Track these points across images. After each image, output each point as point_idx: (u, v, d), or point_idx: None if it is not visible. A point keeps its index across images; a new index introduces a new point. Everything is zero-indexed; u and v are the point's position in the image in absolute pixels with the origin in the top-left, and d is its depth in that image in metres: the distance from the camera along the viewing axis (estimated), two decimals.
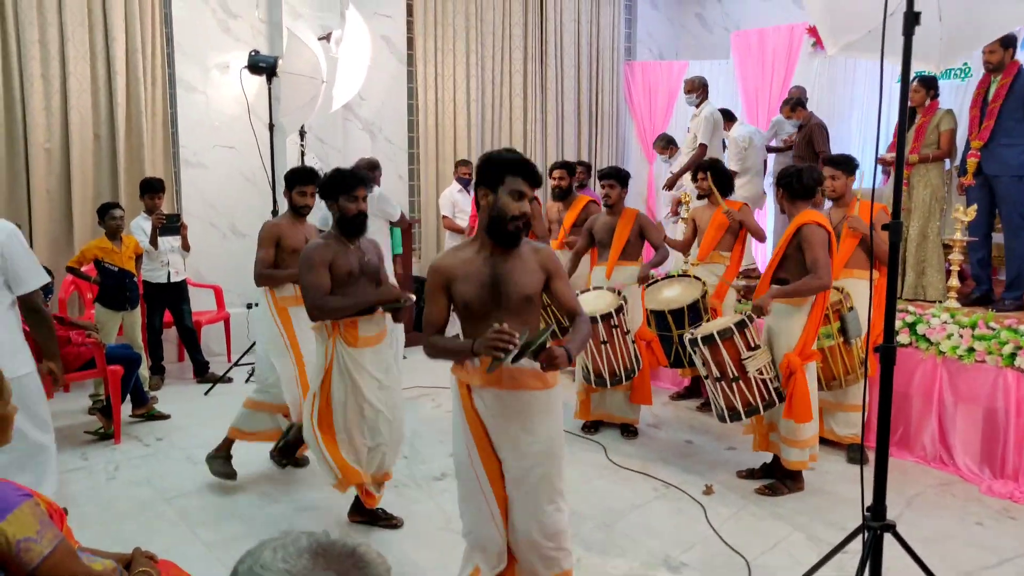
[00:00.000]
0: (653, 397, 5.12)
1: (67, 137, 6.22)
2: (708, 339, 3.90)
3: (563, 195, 6.11)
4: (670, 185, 7.69)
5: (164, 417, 5.27)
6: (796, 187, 3.95)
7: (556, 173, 6.14)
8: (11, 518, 1.72)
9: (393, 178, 7.96)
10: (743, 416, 3.92)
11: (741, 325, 3.90)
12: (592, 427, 5.10)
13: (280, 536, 1.00)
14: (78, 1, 6.12)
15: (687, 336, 4.08)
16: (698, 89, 7.38)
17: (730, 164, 7.31)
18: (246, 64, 6.17)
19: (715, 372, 3.92)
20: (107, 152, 6.45)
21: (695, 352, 4.02)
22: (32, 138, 6.05)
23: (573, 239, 5.75)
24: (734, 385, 3.88)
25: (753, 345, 3.90)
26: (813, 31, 8.31)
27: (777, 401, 3.92)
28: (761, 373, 3.87)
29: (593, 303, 4.77)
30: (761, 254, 7.78)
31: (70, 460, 4.47)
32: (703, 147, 7.35)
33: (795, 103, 7.34)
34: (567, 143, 9.34)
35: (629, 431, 5.03)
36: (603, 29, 9.55)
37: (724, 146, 7.67)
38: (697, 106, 7.40)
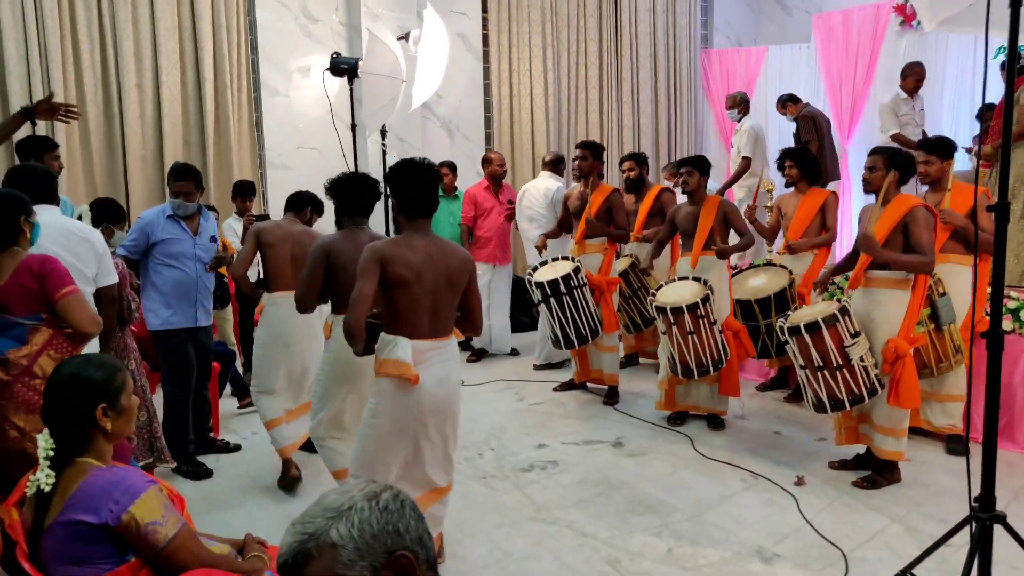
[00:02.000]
0: (740, 388, 5.03)
1: (161, 144, 6.51)
2: (812, 326, 3.80)
3: (635, 186, 6.05)
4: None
5: None
6: (905, 170, 3.85)
7: (626, 164, 6.09)
8: (139, 502, 1.82)
9: (471, 175, 8.03)
10: (847, 405, 3.81)
11: (844, 311, 3.78)
12: (678, 418, 5.05)
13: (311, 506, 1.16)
14: (169, 13, 6.39)
15: (784, 324, 3.97)
16: (739, 104, 7.64)
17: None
18: (327, 67, 6.32)
19: (817, 361, 3.81)
20: (197, 156, 6.72)
21: (793, 340, 3.92)
22: (129, 146, 6.36)
23: (652, 232, 5.70)
24: (838, 374, 3.77)
25: (854, 332, 3.79)
26: (901, 9, 8.02)
27: (878, 389, 3.80)
28: (863, 360, 3.76)
29: (678, 293, 4.72)
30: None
31: None
32: (746, 160, 7.39)
33: (784, 100, 7.42)
34: (644, 134, 9.25)
35: (716, 422, 4.95)
36: (679, 17, 9.42)
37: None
38: (739, 120, 7.44)
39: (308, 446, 4.33)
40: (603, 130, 8.92)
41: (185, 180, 4.30)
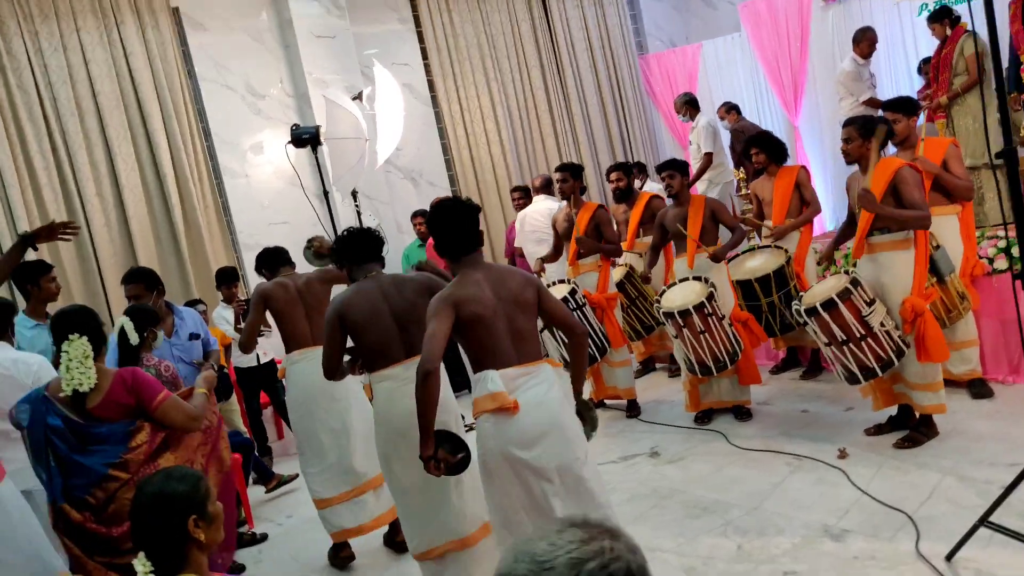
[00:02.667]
0: (760, 375, 5.07)
1: (132, 246, 6.43)
2: (828, 304, 3.85)
3: (624, 196, 6.11)
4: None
5: (293, 478, 5.33)
6: (885, 136, 3.95)
7: (613, 175, 6.14)
8: None
9: None
10: (879, 372, 3.86)
11: (855, 283, 3.85)
12: (705, 416, 5.07)
13: (529, 538, 1.04)
14: (118, 117, 6.35)
15: (799, 307, 4.03)
16: (685, 107, 7.83)
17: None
18: (287, 140, 6.33)
19: (840, 336, 3.86)
20: (171, 252, 6.64)
21: (812, 320, 3.97)
22: (101, 254, 6.27)
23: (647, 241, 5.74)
24: (863, 344, 3.82)
25: (869, 300, 3.85)
26: None
27: (905, 349, 3.86)
28: (883, 325, 3.82)
29: (683, 295, 4.76)
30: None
31: None
32: (708, 155, 7.55)
33: (728, 108, 7.82)
34: (600, 147, 9.38)
35: (743, 413, 4.98)
36: (611, 29, 9.61)
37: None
38: (690, 120, 7.63)
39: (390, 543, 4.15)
40: (560, 151, 9.02)
41: (132, 283, 4.27)
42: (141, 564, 1.79)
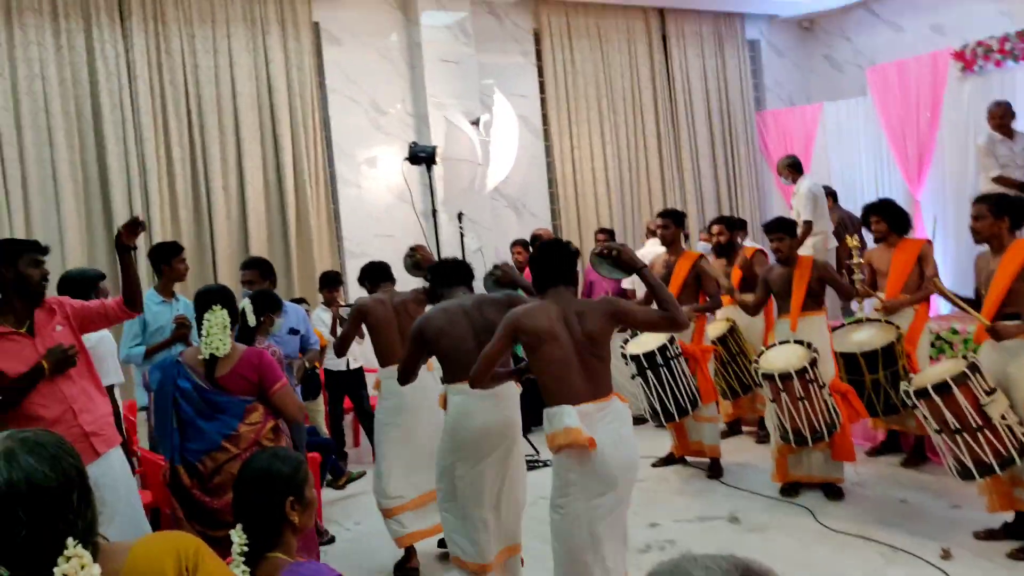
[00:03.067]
0: (854, 452, 4.85)
1: (246, 240, 6.70)
2: (941, 387, 3.67)
3: (725, 250, 6.01)
4: None
5: (362, 474, 5.61)
6: (1016, 215, 3.75)
7: (715, 228, 6.06)
8: None
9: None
10: (997, 469, 3.62)
11: (973, 368, 3.65)
12: (792, 489, 4.87)
13: (694, 556, 1.06)
14: (252, 117, 6.66)
15: (909, 388, 3.84)
16: (787, 169, 7.50)
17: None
18: (403, 156, 6.51)
19: (953, 423, 3.67)
20: (280, 250, 6.88)
21: (922, 404, 3.78)
22: (218, 244, 6.56)
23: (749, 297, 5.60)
24: (979, 435, 3.61)
25: (989, 389, 3.64)
26: (960, 55, 8.02)
27: None
28: (1004, 418, 3.60)
29: (784, 358, 4.61)
30: None
31: None
32: (808, 224, 7.24)
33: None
34: (706, 198, 9.28)
35: (834, 491, 4.77)
36: (730, 83, 9.53)
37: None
38: (793, 183, 7.38)
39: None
40: (665, 197, 8.96)
41: (250, 269, 4.56)
42: (237, 536, 1.85)
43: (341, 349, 4.50)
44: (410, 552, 4.21)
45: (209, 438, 3.02)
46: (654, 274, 3.24)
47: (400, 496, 4.16)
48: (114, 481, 3.10)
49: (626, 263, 3.18)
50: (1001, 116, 6.63)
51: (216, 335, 3.06)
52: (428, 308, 3.73)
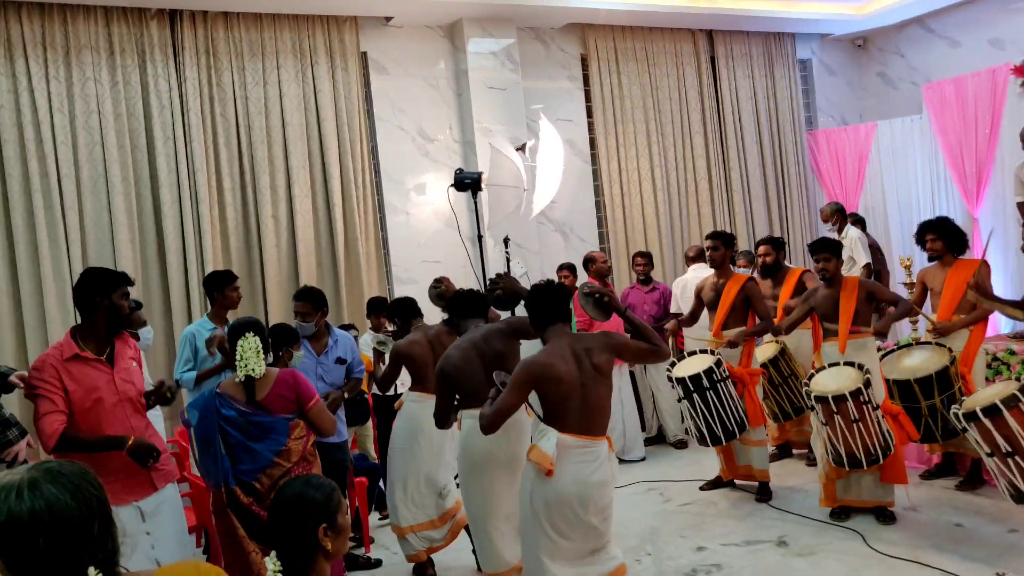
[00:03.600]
0: (906, 475, 4.71)
1: (296, 268, 6.85)
2: (991, 410, 3.55)
3: (772, 271, 5.93)
4: None
5: None
6: None
7: (761, 249, 6.00)
8: None
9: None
10: None
11: None
12: (842, 513, 4.74)
13: None
14: (301, 147, 6.84)
15: (959, 411, 3.73)
16: (831, 216, 7.38)
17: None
18: (450, 183, 6.60)
19: (1004, 447, 3.54)
20: (329, 277, 7.02)
21: (972, 427, 3.67)
22: (268, 272, 6.71)
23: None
24: None
25: None
26: (1020, 70, 7.81)
27: None
28: None
29: (837, 380, 4.51)
30: None
31: None
32: (867, 267, 7.10)
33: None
34: (758, 221, 9.16)
35: (886, 515, 4.62)
36: (780, 103, 9.43)
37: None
38: (839, 232, 7.19)
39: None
40: (715, 220, 8.87)
41: (302, 301, 4.62)
42: (272, 562, 1.88)
43: (384, 387, 4.81)
44: (425, 565, 4.45)
45: (262, 457, 3.21)
46: (635, 317, 3.48)
47: (408, 519, 4.41)
48: (167, 513, 3.28)
49: (610, 307, 3.55)
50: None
51: (251, 358, 3.26)
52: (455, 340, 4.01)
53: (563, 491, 3.05)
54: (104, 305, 3.15)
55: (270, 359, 3.59)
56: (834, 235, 7.43)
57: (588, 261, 6.94)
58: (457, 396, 3.86)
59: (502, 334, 3.77)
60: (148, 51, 6.22)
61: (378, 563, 4.79)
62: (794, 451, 6.23)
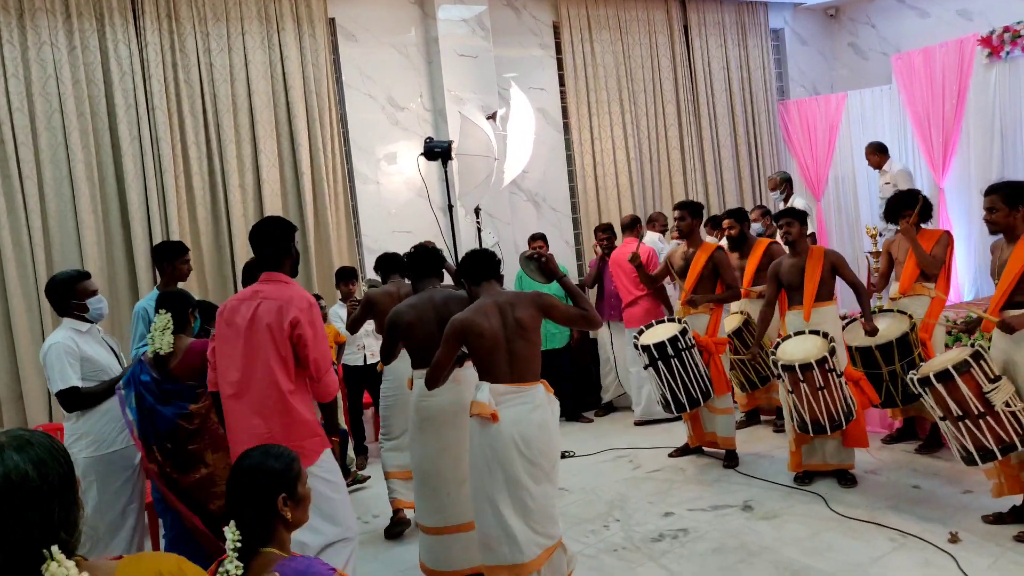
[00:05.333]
0: (868, 438, 4.81)
1: None
2: (943, 375, 3.63)
3: (738, 243, 5.98)
4: None
5: (367, 478, 5.79)
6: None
7: (725, 222, 6.01)
8: None
9: (560, 244, 8.12)
10: (998, 455, 3.58)
11: (976, 356, 3.60)
12: (806, 478, 4.84)
13: None
14: (268, 115, 6.73)
15: (914, 376, 3.81)
16: (780, 185, 7.45)
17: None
18: (421, 151, 6.54)
19: (955, 411, 3.62)
20: (299, 247, 6.94)
21: (926, 391, 3.75)
22: (235, 243, 6.64)
23: (761, 289, 5.56)
24: (981, 422, 3.57)
25: (993, 376, 3.59)
26: (986, 41, 7.88)
27: None
28: (1008, 405, 3.55)
29: (803, 349, 4.57)
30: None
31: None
32: (812, 235, 7.22)
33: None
34: (728, 190, 9.20)
35: (847, 478, 4.72)
36: (753, 72, 9.44)
37: None
38: (785, 201, 7.30)
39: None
40: (687, 189, 8.91)
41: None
42: (231, 532, 1.88)
43: (352, 329, 5.09)
44: (399, 513, 4.74)
45: (167, 419, 3.43)
46: (571, 282, 3.76)
47: (397, 466, 4.71)
48: None
49: (548, 271, 3.86)
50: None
51: (156, 336, 3.53)
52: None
53: (506, 434, 3.24)
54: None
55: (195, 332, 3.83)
56: (781, 204, 7.55)
57: (605, 227, 7.10)
58: (411, 357, 4.04)
59: (462, 303, 3.81)
60: (107, 15, 6.04)
61: None
62: (762, 418, 6.34)
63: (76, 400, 3.55)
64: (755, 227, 6.49)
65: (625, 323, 6.59)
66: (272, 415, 3.06)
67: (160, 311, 3.58)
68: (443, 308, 3.86)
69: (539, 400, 3.35)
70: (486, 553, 3.29)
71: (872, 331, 4.72)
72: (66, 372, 3.51)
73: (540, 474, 3.29)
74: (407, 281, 4.66)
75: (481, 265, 3.58)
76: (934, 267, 4.90)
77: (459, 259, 4.27)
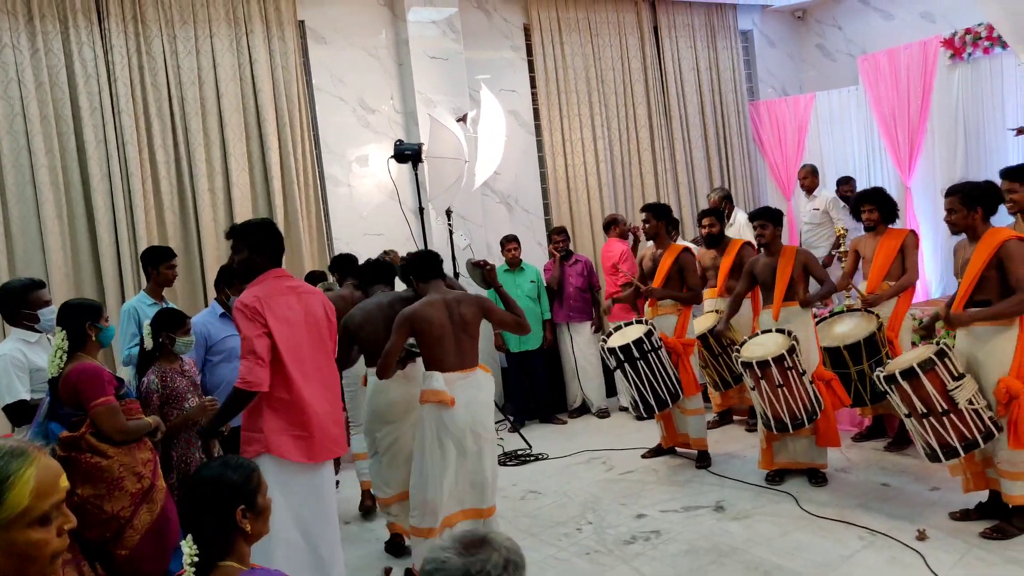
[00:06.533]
0: (839, 438, 4.87)
1: None
2: (908, 373, 3.68)
3: (715, 241, 6.02)
4: None
5: (337, 483, 5.61)
6: (991, 204, 3.76)
7: (705, 220, 6.06)
8: None
9: (533, 245, 8.12)
10: (961, 452, 3.64)
11: (940, 354, 3.66)
12: (777, 476, 4.88)
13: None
14: (237, 118, 6.65)
15: (881, 374, 3.86)
16: (720, 203, 7.16)
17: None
18: (391, 154, 6.51)
19: (920, 408, 3.68)
20: None
21: (892, 389, 3.80)
22: (205, 247, 6.56)
23: (733, 284, 5.61)
24: (944, 419, 3.62)
25: (957, 374, 3.65)
26: (949, 43, 8.00)
27: (995, 432, 3.63)
28: (972, 403, 3.61)
29: (764, 346, 4.63)
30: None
31: None
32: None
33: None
34: (699, 189, 9.24)
35: (818, 477, 4.77)
36: (723, 73, 9.50)
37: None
38: (727, 218, 7.16)
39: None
40: (659, 190, 8.94)
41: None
42: (187, 546, 1.85)
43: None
44: (366, 495, 5.18)
45: (55, 437, 3.20)
46: (506, 292, 4.24)
47: (364, 448, 4.83)
48: None
49: (488, 280, 4.37)
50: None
51: (52, 358, 3.23)
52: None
53: (460, 416, 3.70)
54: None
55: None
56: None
57: (612, 220, 7.33)
58: (364, 356, 4.31)
59: (406, 303, 4.07)
60: (71, 17, 5.92)
61: None
62: (735, 417, 6.39)
63: (25, 414, 3.43)
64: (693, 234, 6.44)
65: (611, 319, 6.58)
66: (336, 396, 3.40)
67: (57, 328, 3.28)
68: (389, 309, 4.15)
69: (482, 382, 3.86)
70: (418, 517, 3.78)
71: (804, 303, 4.79)
72: (13, 385, 3.43)
73: (486, 445, 3.83)
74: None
75: (428, 265, 3.98)
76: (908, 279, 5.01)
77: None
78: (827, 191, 7.85)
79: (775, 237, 4.99)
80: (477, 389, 3.82)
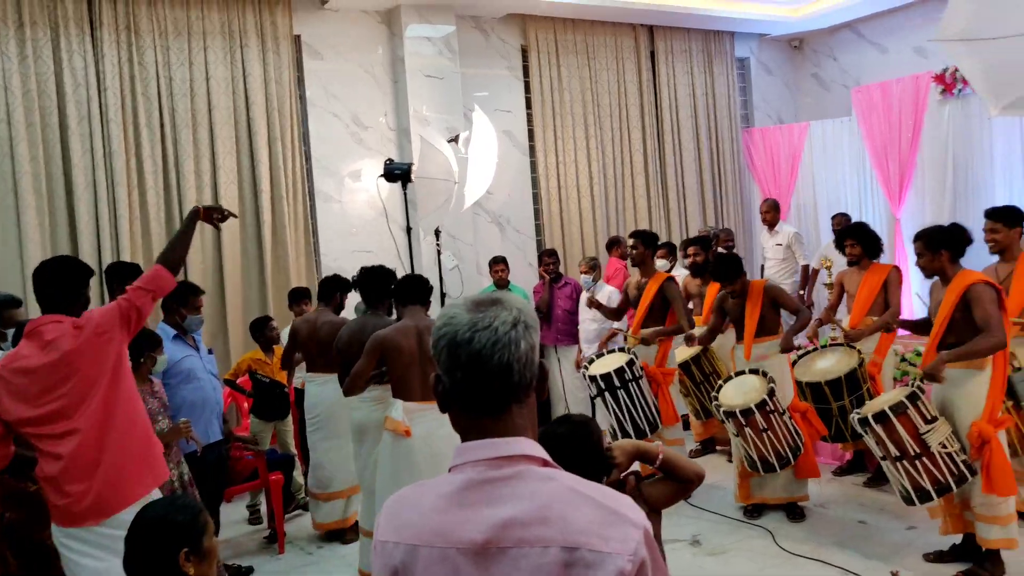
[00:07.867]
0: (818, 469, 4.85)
1: (220, 256, 6.66)
2: (880, 416, 3.67)
3: (701, 270, 6.02)
4: None
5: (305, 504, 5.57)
6: (957, 246, 3.77)
7: (691, 249, 6.06)
8: None
9: (523, 266, 8.11)
10: (934, 496, 3.63)
11: (913, 398, 3.65)
12: (755, 511, 4.86)
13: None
14: (228, 131, 6.65)
15: (855, 416, 3.85)
16: (668, 256, 6.63)
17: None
18: (380, 172, 6.50)
19: (893, 451, 3.67)
20: (255, 266, 6.85)
21: (866, 432, 3.79)
22: (190, 260, 6.53)
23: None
24: (917, 463, 3.61)
25: (930, 417, 3.64)
26: (940, 79, 8.05)
27: (969, 476, 3.61)
28: (944, 447, 3.60)
29: (742, 392, 4.60)
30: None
31: None
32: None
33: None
34: (691, 217, 9.27)
35: (796, 513, 4.75)
36: (719, 99, 9.54)
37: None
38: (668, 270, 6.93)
39: None
40: (651, 215, 8.95)
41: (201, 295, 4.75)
42: None
43: (284, 363, 5.40)
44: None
45: None
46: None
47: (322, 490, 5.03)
48: None
49: None
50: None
51: None
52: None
53: (416, 447, 3.72)
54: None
55: None
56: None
57: (615, 241, 7.39)
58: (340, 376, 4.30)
59: (378, 327, 4.10)
60: (62, 25, 5.92)
61: (249, 570, 4.66)
62: (718, 447, 6.35)
63: None
64: (660, 263, 6.19)
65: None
66: None
67: None
68: (358, 330, 4.15)
69: (445, 417, 3.64)
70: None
71: (785, 347, 4.72)
72: None
73: None
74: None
75: (411, 290, 3.99)
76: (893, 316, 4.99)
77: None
78: (788, 226, 7.91)
79: (744, 287, 4.89)
80: (439, 424, 3.67)
